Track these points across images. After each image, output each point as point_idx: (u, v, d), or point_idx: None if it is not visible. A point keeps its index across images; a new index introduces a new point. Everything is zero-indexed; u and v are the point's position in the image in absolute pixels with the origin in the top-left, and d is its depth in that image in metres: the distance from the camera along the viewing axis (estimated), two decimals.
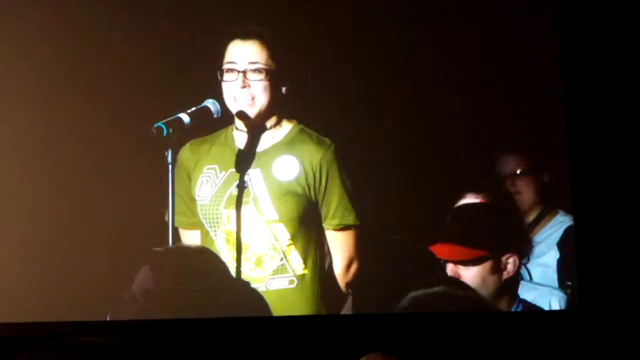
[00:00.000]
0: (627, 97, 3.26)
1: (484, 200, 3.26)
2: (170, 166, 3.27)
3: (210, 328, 3.24)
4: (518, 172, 3.32)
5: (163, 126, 3.27)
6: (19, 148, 3.43)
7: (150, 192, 3.31)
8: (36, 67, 3.46)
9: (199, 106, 3.33)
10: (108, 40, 3.44)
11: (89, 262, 3.33)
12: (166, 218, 3.27)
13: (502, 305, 3.13)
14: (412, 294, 3.01)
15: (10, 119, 3.46)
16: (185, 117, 3.30)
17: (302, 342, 3.22)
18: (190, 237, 3.35)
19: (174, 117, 3.29)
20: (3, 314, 3.31)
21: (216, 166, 3.34)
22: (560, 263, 3.25)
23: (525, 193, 3.31)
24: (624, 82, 3.26)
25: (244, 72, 3.29)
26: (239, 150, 3.32)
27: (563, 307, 3.19)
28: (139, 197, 3.33)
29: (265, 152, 3.32)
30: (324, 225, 3.28)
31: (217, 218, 3.30)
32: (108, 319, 3.25)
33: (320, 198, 3.27)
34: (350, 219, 3.27)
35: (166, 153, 3.27)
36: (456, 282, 3.10)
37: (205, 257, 3.23)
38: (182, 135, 3.31)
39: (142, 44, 3.42)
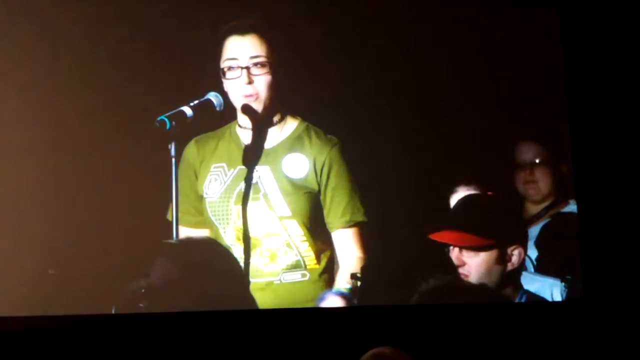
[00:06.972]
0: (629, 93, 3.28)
1: (490, 192, 3.27)
2: (173, 159, 3.27)
3: (217, 321, 3.25)
4: (537, 161, 3.33)
5: (166, 119, 3.26)
6: (22, 144, 3.43)
7: (153, 186, 3.31)
8: (38, 64, 3.45)
9: (202, 99, 3.33)
10: (109, 36, 3.44)
11: (91, 257, 3.33)
12: (169, 212, 3.27)
13: (507, 295, 3.13)
14: (422, 288, 3.02)
15: (12, 116, 3.45)
16: (188, 110, 3.29)
17: (308, 334, 3.22)
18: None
19: (176, 110, 3.29)
20: (7, 308, 3.31)
21: (224, 164, 3.33)
22: (564, 254, 3.26)
23: (541, 182, 3.32)
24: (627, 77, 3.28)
25: (247, 68, 3.28)
26: (246, 146, 3.31)
27: (565, 298, 3.19)
28: (142, 190, 3.33)
29: (273, 149, 3.31)
30: (333, 222, 3.27)
31: (227, 215, 3.29)
32: (113, 312, 3.26)
33: (329, 195, 3.27)
34: (359, 216, 3.27)
35: (169, 146, 3.27)
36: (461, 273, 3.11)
37: (219, 249, 3.22)
38: (185, 128, 3.30)
39: (145, 39, 3.42)
